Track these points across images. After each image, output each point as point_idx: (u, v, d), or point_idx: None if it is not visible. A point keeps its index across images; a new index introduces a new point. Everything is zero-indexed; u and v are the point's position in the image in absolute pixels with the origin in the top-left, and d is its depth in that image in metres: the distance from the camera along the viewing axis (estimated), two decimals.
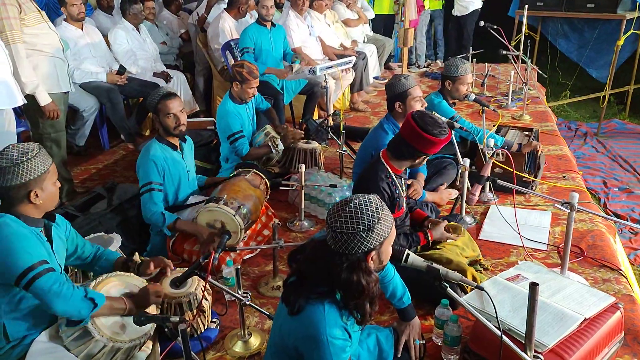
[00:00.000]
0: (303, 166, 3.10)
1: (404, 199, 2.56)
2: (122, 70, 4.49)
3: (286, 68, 4.76)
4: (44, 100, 3.26)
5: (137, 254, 2.22)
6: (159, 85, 4.69)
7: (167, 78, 4.91)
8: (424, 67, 7.33)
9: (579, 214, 3.13)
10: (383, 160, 2.44)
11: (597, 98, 6.63)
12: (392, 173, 2.43)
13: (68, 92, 3.57)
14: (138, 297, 1.94)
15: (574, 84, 7.41)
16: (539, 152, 3.58)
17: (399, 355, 1.95)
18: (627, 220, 4.22)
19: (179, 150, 2.86)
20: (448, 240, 2.53)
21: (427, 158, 2.47)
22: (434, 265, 1.69)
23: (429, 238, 2.48)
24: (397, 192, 2.44)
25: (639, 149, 5.76)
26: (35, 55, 3.25)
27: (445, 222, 2.54)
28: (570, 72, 7.41)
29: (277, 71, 4.57)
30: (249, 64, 3.54)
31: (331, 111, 4.56)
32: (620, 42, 6.04)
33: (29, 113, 3.41)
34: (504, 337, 1.56)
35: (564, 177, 3.76)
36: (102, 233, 2.67)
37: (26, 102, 3.21)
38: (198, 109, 5.33)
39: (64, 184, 3.60)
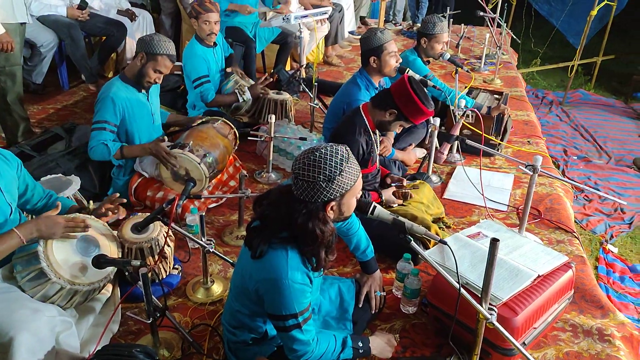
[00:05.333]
0: (273, 117, 3.03)
1: (377, 156, 2.56)
2: (83, 5, 4.21)
3: (261, 15, 4.57)
4: None
5: (91, 202, 2.14)
6: (123, 24, 4.44)
7: (132, 17, 4.64)
8: (401, 26, 7.20)
9: (540, 178, 3.22)
10: (363, 113, 2.41)
11: (566, 68, 6.71)
12: (369, 128, 2.40)
13: (25, 23, 3.33)
14: (38, 222, 1.75)
15: (545, 52, 7.47)
16: (506, 116, 3.62)
17: (360, 306, 2.00)
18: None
19: (144, 92, 2.74)
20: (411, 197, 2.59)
21: (402, 127, 2.43)
22: (400, 218, 1.71)
23: (383, 197, 2.51)
24: (372, 147, 2.43)
25: (600, 119, 5.92)
26: None
27: (393, 188, 2.57)
28: (543, 40, 7.44)
29: (240, 7, 4.28)
30: None
31: (304, 63, 4.44)
32: (594, 13, 6.05)
33: None
34: (462, 289, 1.61)
35: (528, 141, 3.85)
36: (60, 175, 2.57)
37: None
38: None
39: (19, 122, 3.42)
